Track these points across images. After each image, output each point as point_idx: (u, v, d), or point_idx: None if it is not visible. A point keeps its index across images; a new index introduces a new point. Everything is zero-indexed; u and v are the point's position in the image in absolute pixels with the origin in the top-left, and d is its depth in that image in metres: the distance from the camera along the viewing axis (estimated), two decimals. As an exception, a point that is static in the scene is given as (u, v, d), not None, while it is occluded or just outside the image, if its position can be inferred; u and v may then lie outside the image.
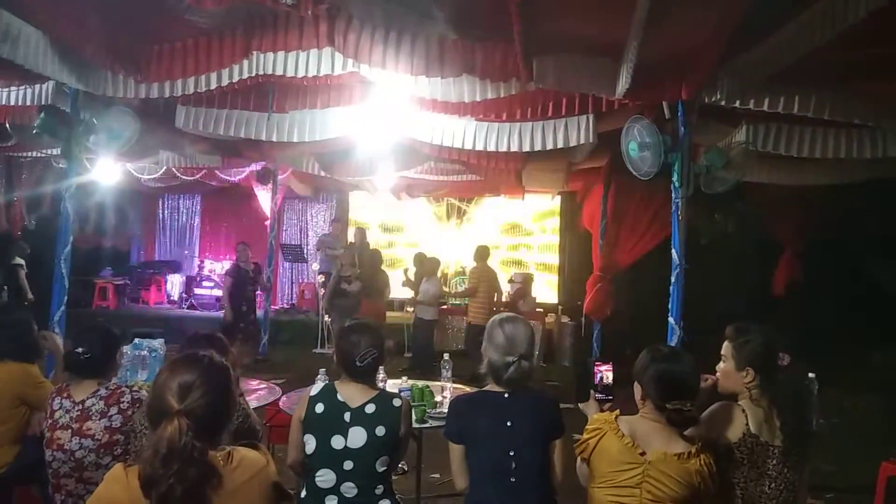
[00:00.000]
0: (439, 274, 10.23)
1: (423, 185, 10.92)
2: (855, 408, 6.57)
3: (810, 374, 3.67)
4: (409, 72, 4.69)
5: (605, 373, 2.80)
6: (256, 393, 4.28)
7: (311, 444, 2.57)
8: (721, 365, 2.69)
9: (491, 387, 2.65)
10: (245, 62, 4.97)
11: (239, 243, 9.49)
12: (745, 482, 2.44)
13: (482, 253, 9.32)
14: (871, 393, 7.48)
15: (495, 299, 9.24)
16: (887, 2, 3.50)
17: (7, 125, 6.96)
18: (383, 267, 9.33)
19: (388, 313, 10.28)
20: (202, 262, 13.34)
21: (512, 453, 2.49)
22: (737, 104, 4.79)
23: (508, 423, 2.52)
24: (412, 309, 9.76)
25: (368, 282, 8.73)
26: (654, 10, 3.51)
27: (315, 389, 2.71)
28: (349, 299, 8.51)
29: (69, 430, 2.80)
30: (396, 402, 2.67)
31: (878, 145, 5.53)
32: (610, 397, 2.76)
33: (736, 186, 5.31)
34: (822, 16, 3.81)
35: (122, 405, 2.85)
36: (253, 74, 5.00)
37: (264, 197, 10.89)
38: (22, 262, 9.62)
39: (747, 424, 2.47)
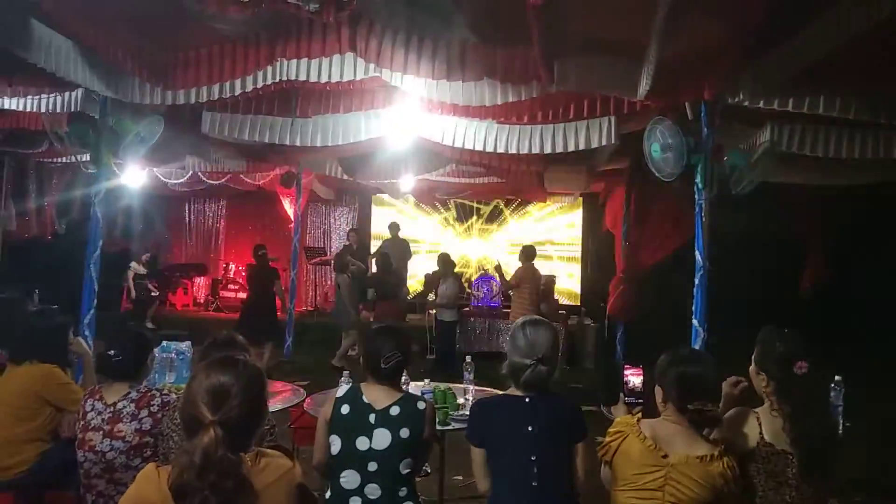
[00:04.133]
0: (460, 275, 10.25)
1: (446, 188, 10.95)
2: (885, 410, 6.47)
3: (836, 378, 3.65)
4: (430, 76, 4.73)
5: (635, 377, 2.80)
6: (281, 395, 4.33)
7: (336, 445, 2.61)
8: (751, 367, 2.68)
9: (512, 390, 2.66)
10: (269, 68, 5.03)
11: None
12: (765, 490, 2.43)
13: (528, 253, 9.31)
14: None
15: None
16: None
17: (42, 131, 7.11)
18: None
19: (411, 315, 10.34)
20: (227, 264, 13.50)
21: (534, 458, 2.50)
22: (760, 104, 4.75)
23: (529, 428, 2.53)
24: (433, 311, 9.79)
25: (380, 283, 8.79)
26: (674, 11, 3.50)
27: (341, 391, 2.75)
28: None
29: (101, 432, 2.86)
30: (421, 405, 2.70)
31: (905, 145, 5.46)
32: (640, 401, 2.75)
33: (761, 186, 5.27)
34: (846, 15, 3.78)
35: (151, 408, 2.91)
36: (277, 80, 5.06)
37: (288, 201, 11.00)
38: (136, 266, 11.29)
39: (761, 433, 2.46)
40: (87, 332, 5.36)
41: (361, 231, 12.51)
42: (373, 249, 12.20)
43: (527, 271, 9.07)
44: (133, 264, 11.38)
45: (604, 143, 5.67)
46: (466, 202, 13.17)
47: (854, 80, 4.73)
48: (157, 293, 11.87)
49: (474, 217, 13.32)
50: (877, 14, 3.62)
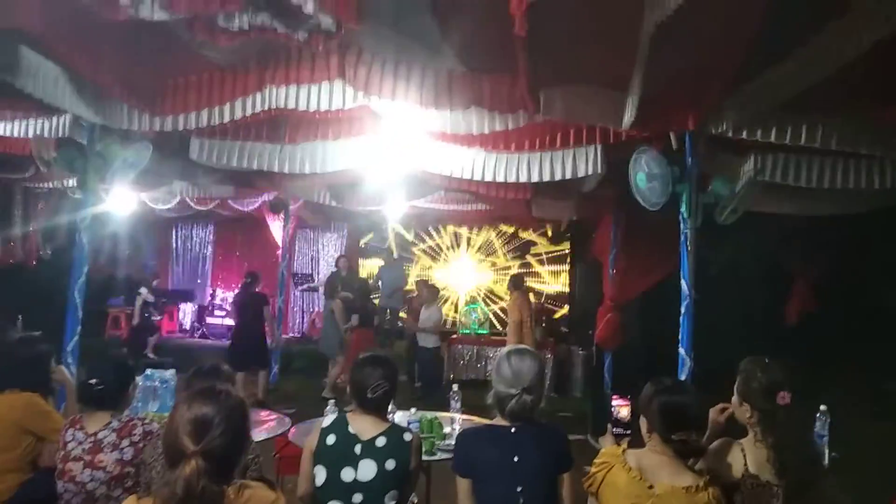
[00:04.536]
0: (441, 302, 10.26)
1: (434, 215, 10.98)
2: (870, 438, 6.48)
3: (822, 407, 3.65)
4: (418, 104, 4.76)
5: (623, 407, 2.80)
6: (266, 424, 4.29)
7: (321, 475, 2.58)
8: (734, 398, 2.69)
9: (497, 420, 2.65)
10: (258, 95, 5.05)
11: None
12: None
13: (517, 282, 9.32)
14: (887, 422, 7.38)
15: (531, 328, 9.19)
16: (890, 32, 3.52)
17: (28, 156, 7.09)
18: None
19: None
20: (214, 291, 13.43)
21: (520, 489, 2.49)
22: (743, 135, 4.80)
23: (515, 458, 2.53)
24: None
25: (359, 311, 8.79)
26: (656, 44, 3.55)
27: (327, 421, 2.73)
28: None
29: (81, 462, 2.82)
30: (407, 437, 2.68)
31: (886, 175, 5.52)
32: (628, 432, 2.76)
33: (746, 216, 5.32)
34: (828, 46, 3.84)
35: (133, 438, 2.87)
36: (266, 108, 5.08)
37: (276, 226, 10.99)
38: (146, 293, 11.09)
39: (745, 464, 2.46)
40: (70, 360, 5.29)
41: (351, 258, 12.51)
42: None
43: (521, 302, 9.08)
44: (143, 290, 11.19)
45: (590, 171, 5.70)
46: (457, 230, 13.21)
47: (836, 111, 4.80)
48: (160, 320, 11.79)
49: (465, 244, 13.35)
50: (858, 46, 3.69)
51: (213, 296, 13.29)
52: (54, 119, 5.69)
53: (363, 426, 2.65)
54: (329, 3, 3.46)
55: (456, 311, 12.40)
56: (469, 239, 13.28)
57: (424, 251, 13.37)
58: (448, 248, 13.37)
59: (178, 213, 11.16)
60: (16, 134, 5.83)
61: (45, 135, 5.80)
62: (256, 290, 9.03)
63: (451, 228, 13.14)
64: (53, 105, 4.91)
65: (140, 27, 3.93)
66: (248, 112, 5.16)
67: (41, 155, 6.69)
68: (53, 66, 4.69)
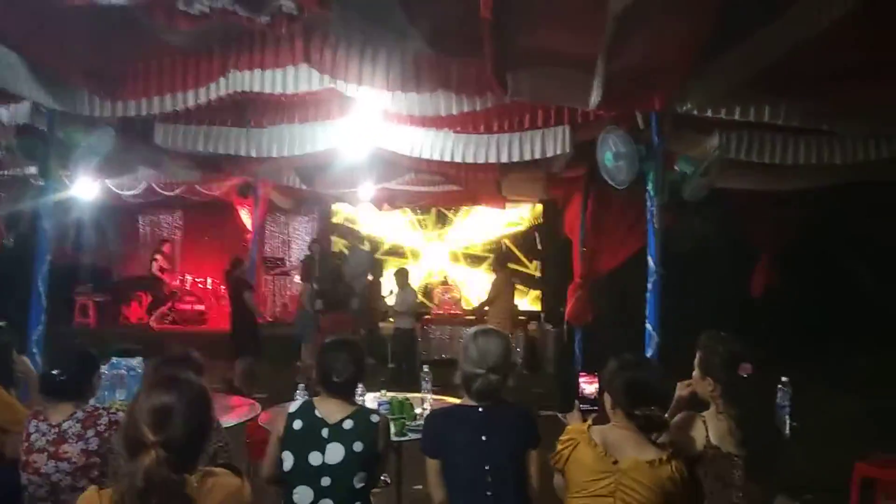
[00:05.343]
0: (416, 284, 10.28)
1: (405, 196, 10.94)
2: (833, 410, 6.65)
3: (783, 379, 3.75)
4: (385, 87, 4.74)
5: (589, 384, 2.85)
6: (237, 410, 4.28)
7: (288, 461, 2.59)
8: (694, 373, 2.75)
9: (465, 400, 2.68)
10: (222, 80, 4.97)
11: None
12: (711, 492, 2.49)
13: (501, 261, 9.31)
14: (849, 395, 7.59)
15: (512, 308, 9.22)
16: (853, 9, 3.57)
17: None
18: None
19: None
20: (183, 276, 13.25)
21: (487, 468, 2.53)
22: (708, 113, 4.87)
23: (483, 438, 2.56)
24: (392, 320, 9.80)
25: (329, 295, 8.77)
26: (621, 25, 3.57)
27: (293, 406, 2.73)
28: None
29: (45, 454, 2.78)
30: (374, 418, 2.70)
31: (847, 151, 5.63)
32: (595, 408, 2.80)
33: (712, 192, 5.39)
34: (789, 25, 3.89)
35: (98, 428, 2.84)
36: (230, 92, 5.00)
37: (246, 211, 10.88)
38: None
39: (707, 436, 2.52)
40: (35, 350, 5.21)
41: (323, 241, 12.44)
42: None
43: (502, 283, 9.10)
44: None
45: (558, 151, 5.74)
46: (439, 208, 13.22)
47: (798, 89, 4.88)
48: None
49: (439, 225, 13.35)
50: (817, 24, 3.74)
51: (182, 281, 13.12)
52: (12, 106, 5.56)
53: (330, 410, 2.66)
54: (290, -15, 3.41)
55: (430, 295, 12.42)
56: (444, 217, 13.28)
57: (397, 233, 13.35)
58: (423, 229, 13.35)
59: (144, 199, 10.97)
60: (-27, 122, 5.69)
61: (4, 122, 5.66)
62: (237, 275, 8.99)
63: (425, 209, 13.12)
64: (11, 92, 4.79)
65: (99, 12, 3.83)
66: (213, 97, 5.09)
67: (0, 142, 6.52)
68: (9, 53, 4.57)
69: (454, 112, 5.07)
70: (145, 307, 12.38)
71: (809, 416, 3.97)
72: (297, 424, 2.63)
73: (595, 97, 4.45)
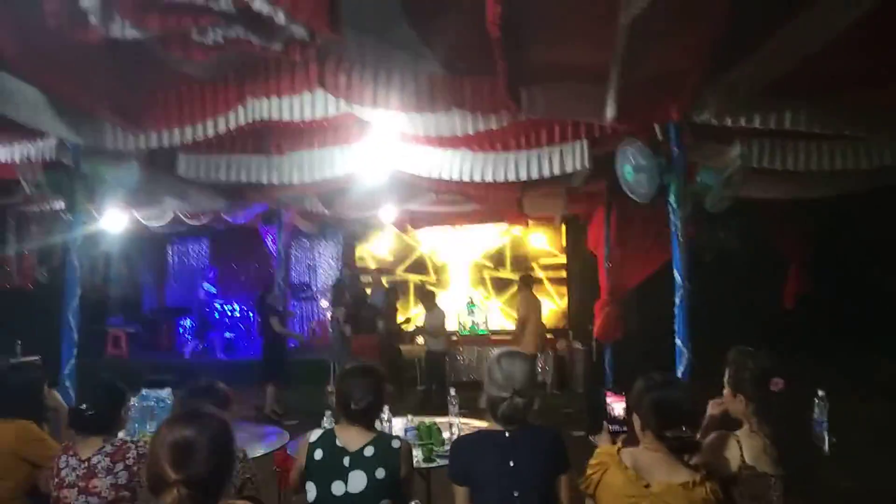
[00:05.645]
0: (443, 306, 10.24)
1: (427, 217, 10.96)
2: (873, 422, 6.46)
3: (820, 393, 3.63)
4: (399, 109, 4.75)
5: (617, 404, 2.78)
6: (265, 440, 4.27)
7: (311, 492, 2.57)
8: (725, 390, 2.67)
9: (492, 425, 2.64)
10: (240, 108, 5.03)
11: None
12: None
13: (527, 281, 9.29)
14: (887, 402, 7.38)
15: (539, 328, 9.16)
16: (870, 11, 3.50)
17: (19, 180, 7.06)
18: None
19: (402, 347, 10.29)
20: (213, 305, 13.38)
21: (516, 494, 2.47)
22: (727, 122, 4.79)
23: (511, 464, 2.51)
24: (423, 341, 9.76)
25: (357, 318, 8.77)
26: (633, 36, 3.54)
27: (314, 436, 2.71)
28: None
29: (76, 489, 2.80)
30: (395, 444, 2.66)
31: (872, 156, 5.50)
32: (624, 429, 2.73)
33: (737, 202, 5.30)
34: (804, 29, 3.83)
35: (127, 461, 2.85)
36: (249, 121, 5.06)
37: (271, 238, 10.97)
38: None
39: (742, 456, 2.45)
40: (67, 383, 5.26)
41: (351, 264, 12.52)
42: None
43: (529, 302, 9.04)
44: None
45: (577, 167, 5.69)
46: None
47: (818, 94, 4.79)
48: None
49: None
50: (834, 28, 3.68)
51: (212, 310, 13.24)
52: (39, 142, 5.67)
53: (350, 437, 2.64)
54: (300, 12, 3.43)
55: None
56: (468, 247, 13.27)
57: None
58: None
59: (171, 229, 11.13)
60: (1, 159, 5.81)
61: (31, 159, 5.77)
62: (268, 302, 9.08)
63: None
64: (37, 128, 4.89)
65: (115, 46, 3.90)
66: (232, 125, 5.15)
67: (28, 178, 6.65)
68: (33, 91, 4.66)
69: (470, 131, 5.06)
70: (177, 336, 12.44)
71: (850, 430, 3.85)
72: (318, 454, 2.61)
73: (610, 110, 4.42)
